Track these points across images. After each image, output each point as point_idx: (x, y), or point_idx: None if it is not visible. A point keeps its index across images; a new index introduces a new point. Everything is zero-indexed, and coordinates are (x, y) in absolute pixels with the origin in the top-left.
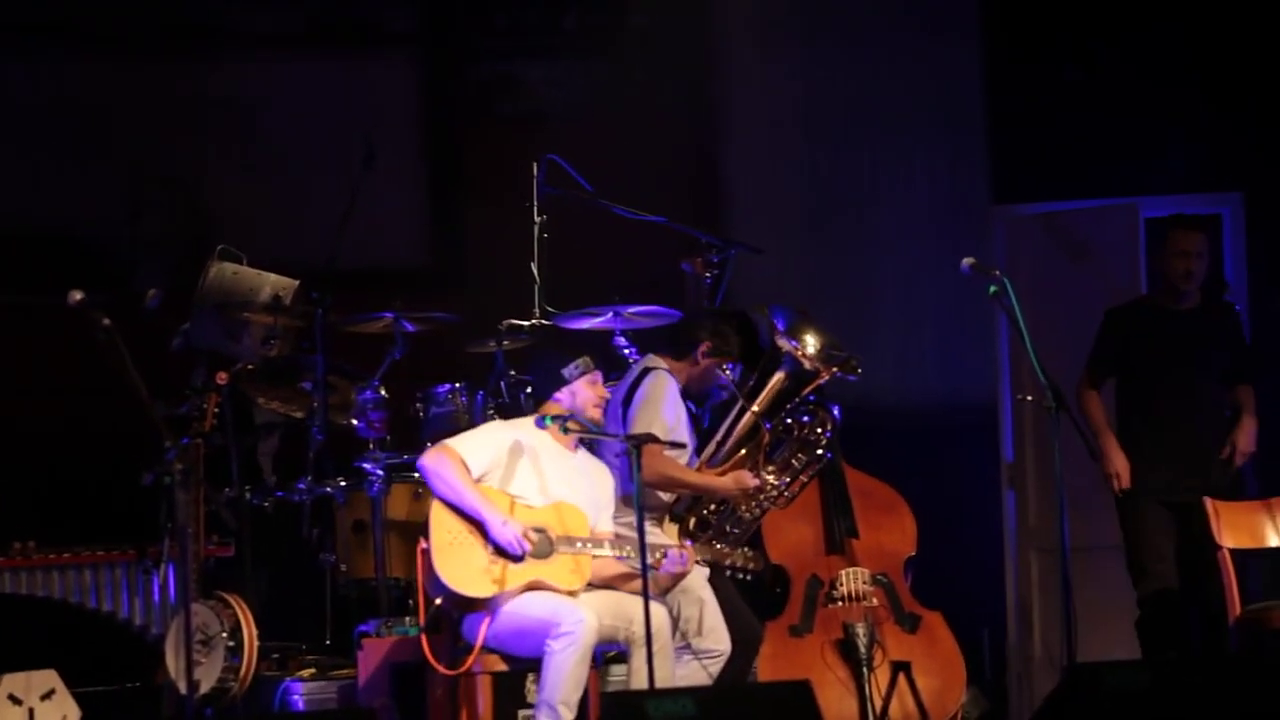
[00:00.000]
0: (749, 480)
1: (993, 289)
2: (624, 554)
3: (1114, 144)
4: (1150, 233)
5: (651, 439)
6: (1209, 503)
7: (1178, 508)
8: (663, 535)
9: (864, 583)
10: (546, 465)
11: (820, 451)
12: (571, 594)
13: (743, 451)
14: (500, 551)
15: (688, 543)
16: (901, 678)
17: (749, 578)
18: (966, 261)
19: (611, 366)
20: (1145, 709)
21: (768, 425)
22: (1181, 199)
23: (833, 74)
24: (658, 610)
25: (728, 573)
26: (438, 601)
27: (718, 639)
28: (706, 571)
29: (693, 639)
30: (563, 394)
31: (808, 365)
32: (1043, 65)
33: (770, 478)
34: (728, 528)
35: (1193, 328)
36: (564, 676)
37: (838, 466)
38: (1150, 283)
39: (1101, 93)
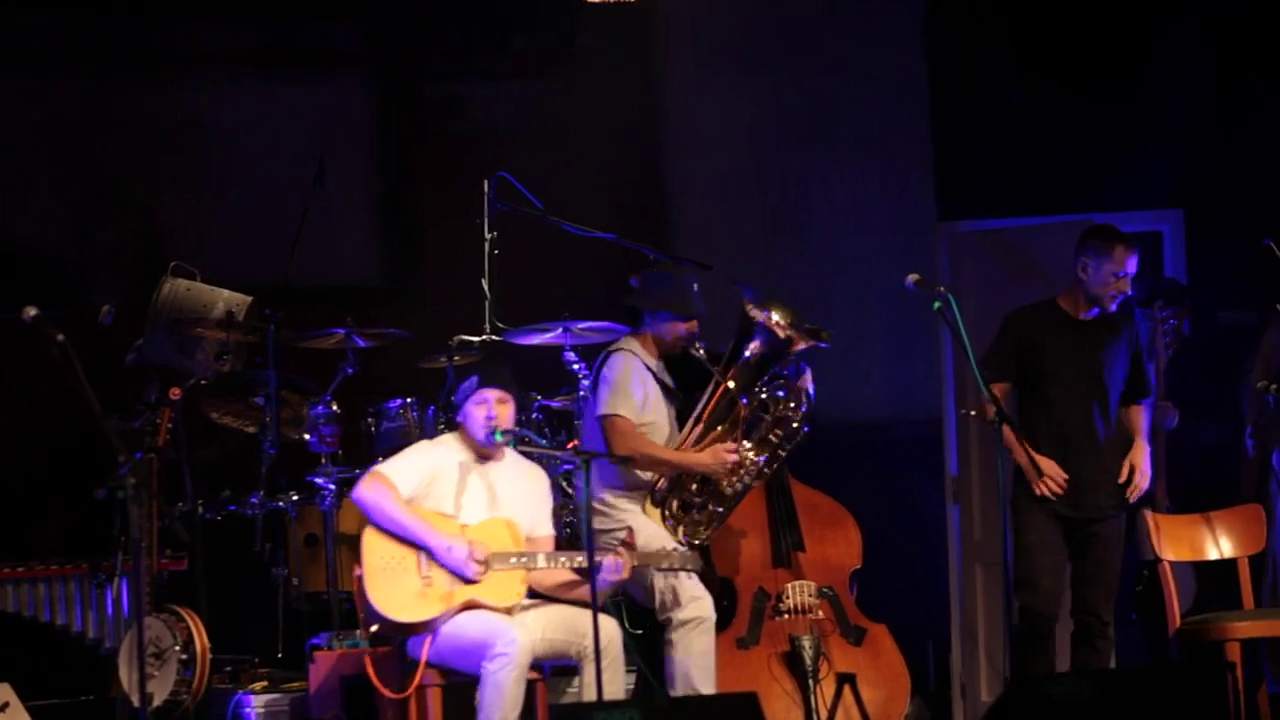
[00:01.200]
0: (727, 455)
1: (937, 304)
2: (559, 565)
3: (1056, 162)
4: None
5: (592, 452)
6: (1149, 515)
7: (1068, 521)
8: (643, 518)
9: (810, 595)
10: (474, 481)
11: (796, 426)
12: (509, 610)
13: (720, 428)
14: (435, 574)
15: (622, 550)
16: (847, 689)
17: (689, 576)
18: (911, 278)
19: (561, 381)
20: (1087, 718)
21: (744, 400)
22: (1123, 216)
23: (779, 92)
24: (608, 623)
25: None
26: (374, 629)
27: (700, 607)
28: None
29: (673, 611)
30: (459, 417)
31: (781, 334)
32: (987, 85)
33: (749, 454)
34: (711, 506)
35: (1097, 337)
36: (501, 697)
37: (784, 481)
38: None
39: (1044, 112)
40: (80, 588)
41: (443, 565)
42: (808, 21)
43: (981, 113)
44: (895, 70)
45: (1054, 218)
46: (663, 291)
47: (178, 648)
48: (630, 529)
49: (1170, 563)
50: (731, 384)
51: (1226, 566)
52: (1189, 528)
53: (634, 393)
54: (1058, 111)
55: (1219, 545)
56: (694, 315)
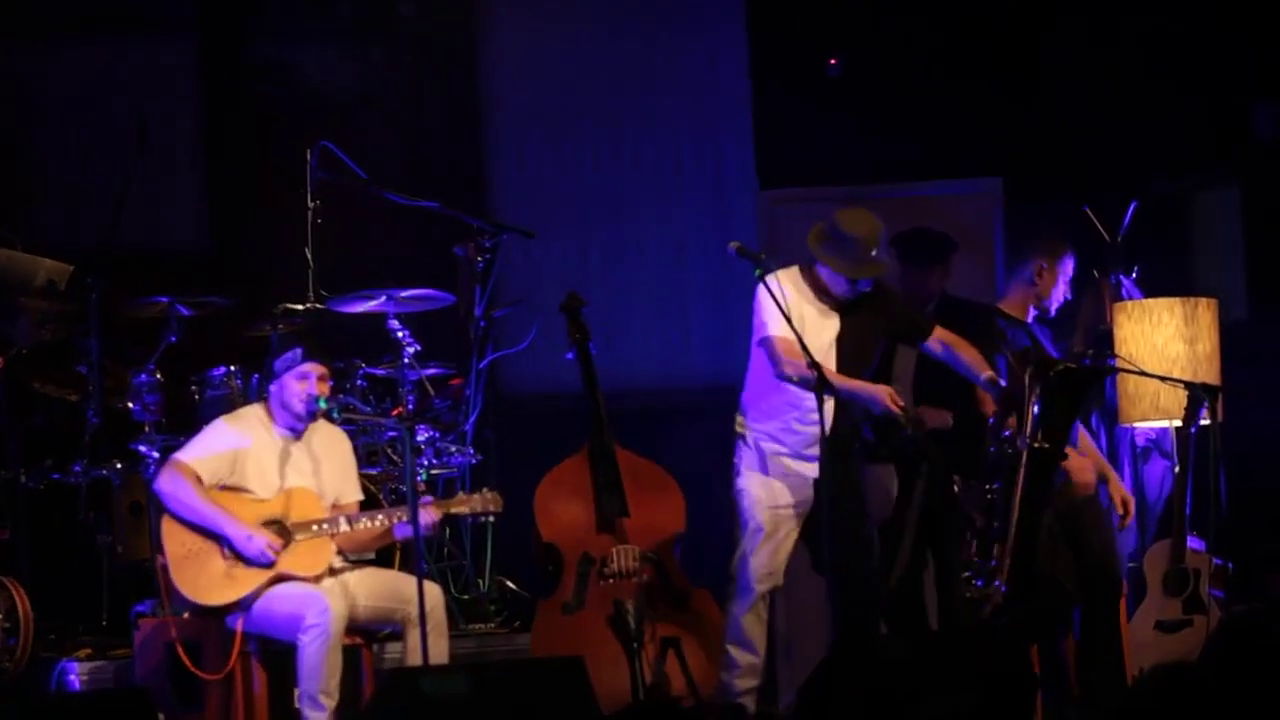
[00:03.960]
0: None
1: (759, 271)
2: (360, 527)
3: (878, 131)
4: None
5: (415, 417)
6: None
7: None
8: None
9: (634, 560)
10: (281, 454)
11: None
12: (318, 578)
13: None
14: (240, 555)
15: (427, 499)
16: (671, 653)
17: (492, 519)
18: (732, 245)
19: (384, 349)
20: (909, 676)
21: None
22: (942, 184)
23: (601, 60)
24: (432, 589)
25: (470, 520)
26: (185, 615)
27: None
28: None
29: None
30: (273, 387)
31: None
32: (807, 54)
33: None
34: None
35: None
36: (317, 668)
37: (608, 447)
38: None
39: (866, 81)
40: None
41: (241, 555)
42: None
43: (802, 81)
44: (716, 37)
45: (876, 185)
46: (833, 246)
47: (0, 616)
48: None
49: None
50: (1048, 444)
51: None
52: None
53: (762, 315)
54: (879, 80)
55: None
56: (854, 276)
